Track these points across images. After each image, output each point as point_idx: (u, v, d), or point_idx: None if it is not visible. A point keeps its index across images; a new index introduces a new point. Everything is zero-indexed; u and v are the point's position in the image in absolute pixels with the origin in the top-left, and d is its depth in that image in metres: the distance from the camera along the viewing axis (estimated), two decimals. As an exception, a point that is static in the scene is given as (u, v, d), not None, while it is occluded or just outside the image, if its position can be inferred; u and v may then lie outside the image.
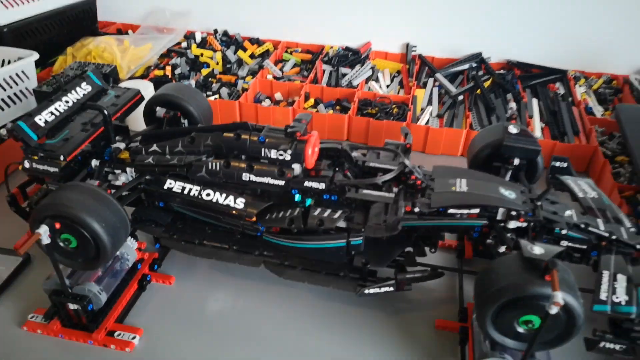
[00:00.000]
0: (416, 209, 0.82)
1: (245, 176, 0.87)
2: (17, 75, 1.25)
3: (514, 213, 0.80)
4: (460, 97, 1.44)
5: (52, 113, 0.90)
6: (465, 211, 0.82)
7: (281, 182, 0.85)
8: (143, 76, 1.53)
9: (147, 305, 0.93)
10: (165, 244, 0.93)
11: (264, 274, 0.97)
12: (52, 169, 0.86)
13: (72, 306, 0.83)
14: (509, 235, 0.81)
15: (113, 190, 0.89)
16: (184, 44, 1.70)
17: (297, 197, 0.87)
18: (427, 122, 1.36)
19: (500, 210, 0.81)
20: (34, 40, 1.51)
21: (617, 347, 0.71)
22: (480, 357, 0.75)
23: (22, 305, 0.92)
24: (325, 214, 0.83)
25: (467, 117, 1.35)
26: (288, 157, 0.85)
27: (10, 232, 1.07)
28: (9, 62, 1.31)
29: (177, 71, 1.55)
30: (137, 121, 1.09)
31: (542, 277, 0.66)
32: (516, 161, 0.93)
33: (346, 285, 0.85)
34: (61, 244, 0.80)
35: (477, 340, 0.80)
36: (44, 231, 0.74)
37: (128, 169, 0.93)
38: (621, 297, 0.72)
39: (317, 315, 0.91)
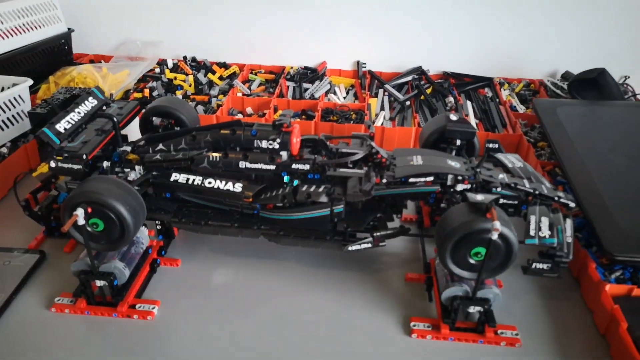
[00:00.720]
0: (384, 180, 1.02)
1: (242, 164, 1.04)
2: (14, 99, 1.37)
3: (460, 178, 1.01)
4: (407, 103, 1.68)
5: (68, 122, 1.05)
6: (422, 179, 1.02)
7: (272, 167, 1.03)
8: (124, 99, 1.68)
9: (160, 283, 1.07)
10: (175, 226, 1.08)
11: (259, 252, 1.14)
12: (75, 167, 1.00)
13: (98, 283, 0.96)
14: (458, 196, 1.02)
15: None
16: (158, 70, 1.86)
17: (286, 179, 1.05)
18: (382, 124, 1.58)
19: (450, 177, 1.02)
20: (17, 71, 1.63)
21: (545, 266, 0.93)
22: (444, 289, 0.95)
23: (45, 293, 1.04)
24: (311, 189, 1.01)
25: (414, 118, 1.59)
26: (277, 146, 1.03)
27: (21, 234, 1.18)
28: (2, 88, 1.43)
29: (155, 93, 1.71)
30: (131, 133, 1.24)
31: (484, 215, 0.87)
32: (458, 142, 1.15)
33: (332, 245, 1.03)
34: (88, 228, 0.93)
35: (441, 283, 0.99)
36: (80, 213, 0.88)
37: (136, 167, 1.08)
38: (545, 232, 0.94)
39: (308, 279, 1.08)
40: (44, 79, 1.70)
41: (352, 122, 1.57)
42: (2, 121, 1.35)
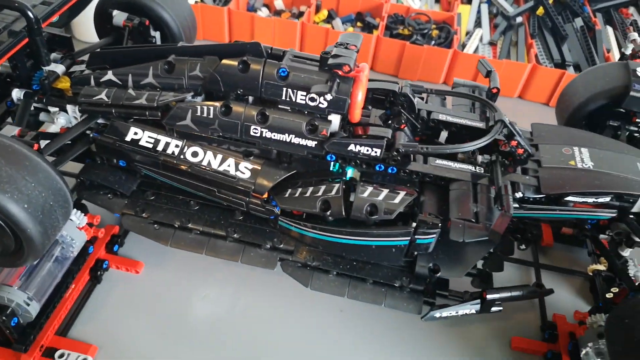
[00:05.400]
0: (518, 194, 0.54)
1: (256, 130, 0.56)
2: None
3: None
4: (519, 19, 1.12)
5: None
6: (591, 199, 0.54)
7: (312, 143, 0.55)
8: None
9: (103, 305, 0.65)
10: (127, 227, 0.62)
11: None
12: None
13: (-14, 321, 0.54)
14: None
15: (46, 142, 0.57)
16: None
17: (334, 166, 0.57)
18: (477, 50, 1.05)
19: (643, 200, 0.54)
20: None
21: None
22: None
23: None
24: (381, 196, 0.54)
25: (530, 47, 1.04)
26: (324, 104, 0.54)
27: None
28: None
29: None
30: (87, 29, 0.75)
31: None
32: (644, 121, 0.65)
33: (406, 302, 0.57)
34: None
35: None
36: None
37: (69, 107, 0.61)
38: None
39: (349, 328, 0.65)
40: None
41: (433, 42, 1.03)
42: None
